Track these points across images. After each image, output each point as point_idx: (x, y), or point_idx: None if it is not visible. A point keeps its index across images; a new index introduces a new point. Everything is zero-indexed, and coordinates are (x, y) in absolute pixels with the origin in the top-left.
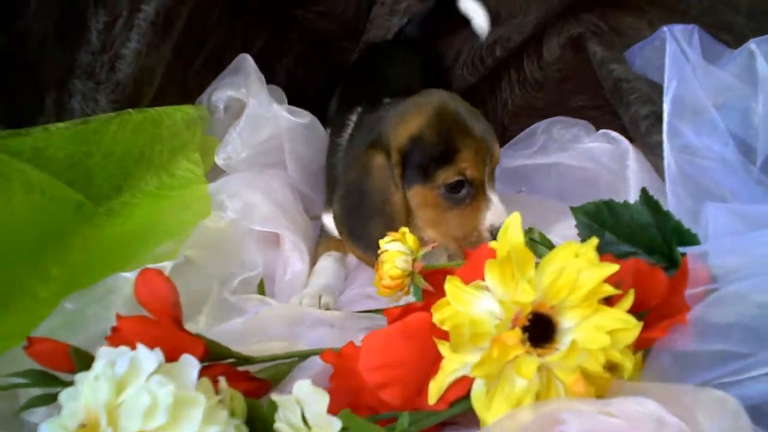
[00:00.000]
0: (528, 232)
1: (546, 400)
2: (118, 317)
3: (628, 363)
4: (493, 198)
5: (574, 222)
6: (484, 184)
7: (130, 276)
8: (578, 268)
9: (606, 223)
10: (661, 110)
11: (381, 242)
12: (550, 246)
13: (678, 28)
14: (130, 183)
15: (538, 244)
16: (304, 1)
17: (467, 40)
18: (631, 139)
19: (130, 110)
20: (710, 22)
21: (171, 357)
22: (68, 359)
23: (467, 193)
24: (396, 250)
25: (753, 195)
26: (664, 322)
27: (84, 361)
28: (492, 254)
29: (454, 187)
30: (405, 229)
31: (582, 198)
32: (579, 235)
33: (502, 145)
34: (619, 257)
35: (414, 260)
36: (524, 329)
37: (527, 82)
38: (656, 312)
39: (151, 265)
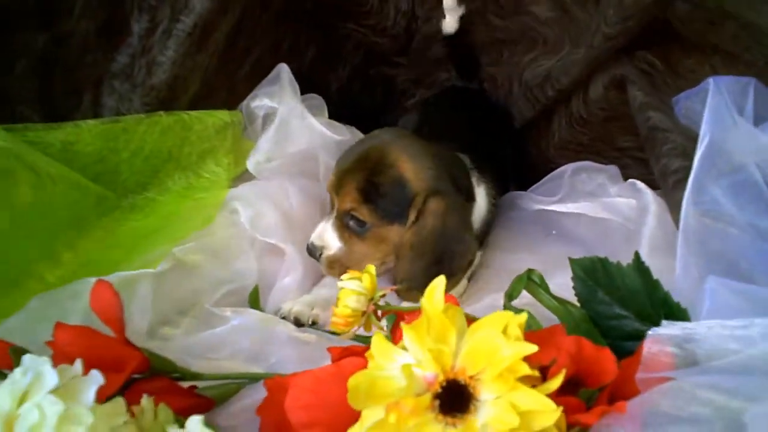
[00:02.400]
0: (528, 272)
1: None
2: (57, 326)
3: None
4: (325, 223)
5: None
6: (333, 207)
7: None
8: (497, 342)
9: (600, 282)
10: (691, 165)
11: (342, 277)
12: (548, 292)
13: (729, 80)
14: (157, 180)
15: (537, 286)
16: (355, 15)
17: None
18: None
19: (161, 112)
20: None
21: (108, 368)
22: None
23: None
24: (351, 289)
25: None
26: (598, 408)
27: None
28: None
29: None
30: (371, 267)
31: (603, 251)
32: (574, 288)
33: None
34: (609, 319)
35: (370, 300)
36: (436, 395)
37: (573, 118)
38: (607, 393)
39: (142, 271)
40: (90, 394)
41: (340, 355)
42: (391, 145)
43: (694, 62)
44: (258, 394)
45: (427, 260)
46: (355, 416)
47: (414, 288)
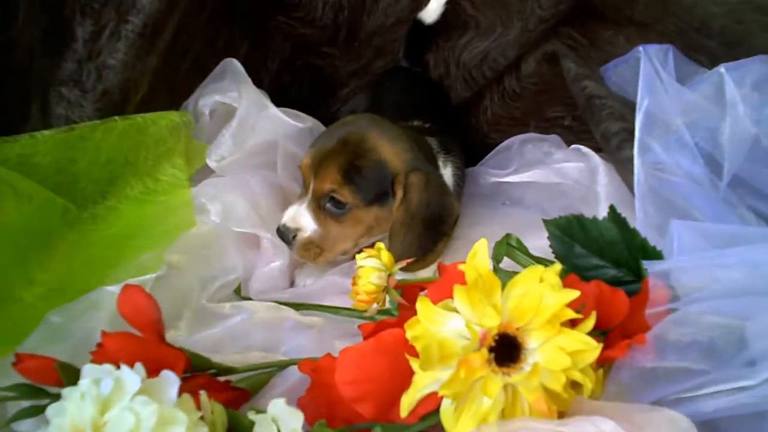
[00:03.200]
0: (506, 237)
1: (509, 420)
2: (103, 334)
3: (588, 382)
4: (298, 206)
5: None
6: (308, 190)
7: (114, 290)
8: (541, 292)
9: (576, 237)
10: (632, 127)
11: (357, 257)
12: (527, 253)
13: (653, 48)
14: (115, 188)
15: (516, 250)
16: (284, 7)
17: (450, 59)
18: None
19: (116, 117)
20: (685, 44)
21: (154, 371)
22: (55, 374)
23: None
24: (371, 266)
25: (719, 213)
26: (624, 341)
27: (70, 375)
28: (457, 273)
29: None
30: (381, 245)
31: (558, 211)
32: (551, 247)
33: (481, 156)
34: (588, 270)
35: (389, 276)
36: (490, 349)
37: (506, 94)
38: (619, 330)
39: (135, 279)
40: (172, 393)
41: (374, 329)
42: (369, 129)
43: (611, 34)
44: (287, 380)
45: (418, 231)
46: (400, 385)
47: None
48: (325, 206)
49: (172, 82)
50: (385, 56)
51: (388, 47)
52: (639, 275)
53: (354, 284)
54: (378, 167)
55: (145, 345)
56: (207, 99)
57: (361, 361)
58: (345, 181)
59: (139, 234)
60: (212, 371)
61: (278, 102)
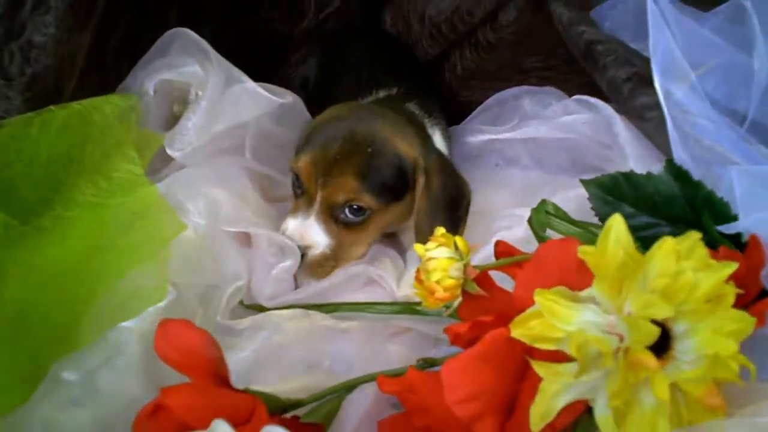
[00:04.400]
0: (541, 204)
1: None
2: (163, 392)
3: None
4: (303, 219)
5: (565, 194)
6: (314, 201)
7: (132, 325)
8: (694, 269)
9: (625, 196)
10: (642, 71)
11: (422, 249)
12: (568, 219)
13: None
14: (60, 193)
15: (554, 217)
16: None
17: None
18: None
19: (52, 107)
20: None
21: (233, 421)
22: None
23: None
24: (447, 257)
25: (746, 155)
26: (755, 307)
27: None
28: (560, 253)
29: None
30: (441, 229)
31: (571, 169)
32: (593, 209)
33: (459, 117)
34: (639, 230)
35: (465, 266)
36: None
37: (479, 46)
38: None
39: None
40: None
41: (468, 332)
42: (374, 121)
43: None
44: (358, 403)
45: (441, 219)
46: (510, 395)
47: None
48: (338, 216)
49: (101, 63)
50: (335, 15)
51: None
52: (701, 231)
53: (421, 280)
54: (396, 162)
55: (214, 395)
56: (152, 78)
57: (472, 374)
58: (364, 187)
59: (104, 247)
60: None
61: None
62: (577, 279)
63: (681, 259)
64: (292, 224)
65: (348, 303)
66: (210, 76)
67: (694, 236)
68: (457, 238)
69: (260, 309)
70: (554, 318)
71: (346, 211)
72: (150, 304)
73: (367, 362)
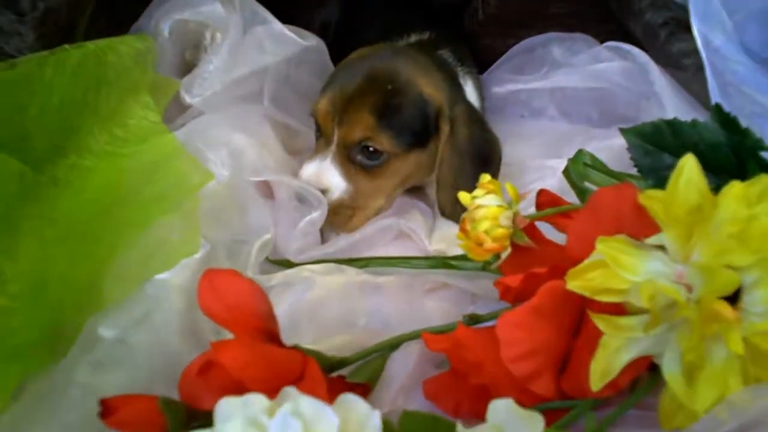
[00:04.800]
0: (578, 154)
1: None
2: (214, 347)
3: None
4: (320, 161)
5: (596, 145)
6: (330, 142)
7: (168, 278)
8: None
9: (667, 145)
10: (678, 15)
11: (468, 196)
12: (606, 171)
13: None
14: (74, 141)
15: (591, 168)
16: None
17: None
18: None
19: (66, 46)
20: None
21: (277, 385)
22: (152, 419)
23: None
24: (496, 205)
25: None
26: None
27: (178, 419)
28: (616, 200)
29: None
30: (487, 175)
31: (599, 120)
32: (632, 159)
33: (478, 65)
34: None
35: (515, 214)
36: None
37: None
38: None
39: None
40: (375, 421)
41: (521, 285)
42: (398, 60)
43: None
44: (401, 363)
45: (468, 175)
46: (564, 350)
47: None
48: (355, 158)
49: (112, 3)
50: None
51: None
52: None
53: (467, 229)
54: (418, 104)
55: (263, 352)
56: (168, 17)
57: (528, 329)
58: (381, 125)
59: (124, 199)
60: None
61: None
62: (635, 226)
63: (752, 204)
64: (309, 168)
65: (380, 257)
66: (233, 15)
67: (764, 180)
68: (508, 185)
69: (288, 264)
70: (619, 267)
71: (361, 153)
72: (182, 256)
73: (404, 319)
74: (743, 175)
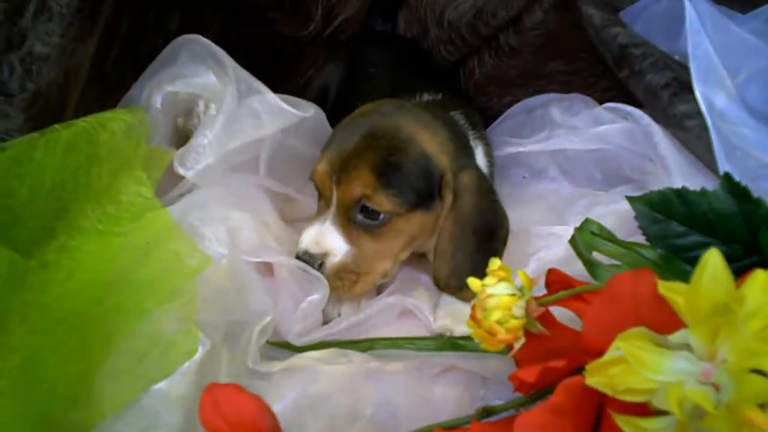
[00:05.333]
0: (585, 223)
1: None
2: None
3: None
4: (320, 225)
5: (602, 210)
6: (330, 203)
7: (166, 388)
8: None
9: (675, 213)
10: (680, 77)
11: (478, 284)
12: (615, 240)
13: None
14: (64, 221)
15: (599, 238)
16: None
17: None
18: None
19: (56, 126)
20: None
21: None
22: None
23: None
24: (508, 294)
25: None
26: None
27: None
28: (634, 286)
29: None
30: (497, 260)
31: (602, 181)
32: (640, 228)
33: None
34: (689, 250)
35: (528, 302)
36: None
37: (500, 50)
38: None
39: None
40: None
41: (537, 379)
42: (401, 116)
43: None
44: None
45: (471, 246)
46: None
47: (461, 284)
48: (356, 219)
49: (101, 73)
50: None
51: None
52: (757, 251)
53: (477, 318)
54: (421, 162)
55: None
56: (161, 89)
57: (548, 430)
58: (380, 183)
59: (117, 283)
60: None
61: None
62: (655, 313)
63: None
64: (309, 231)
65: (385, 339)
66: (227, 86)
67: None
68: (521, 273)
69: (289, 347)
70: (641, 366)
71: (361, 213)
72: (181, 358)
73: (413, 408)
74: (755, 246)
